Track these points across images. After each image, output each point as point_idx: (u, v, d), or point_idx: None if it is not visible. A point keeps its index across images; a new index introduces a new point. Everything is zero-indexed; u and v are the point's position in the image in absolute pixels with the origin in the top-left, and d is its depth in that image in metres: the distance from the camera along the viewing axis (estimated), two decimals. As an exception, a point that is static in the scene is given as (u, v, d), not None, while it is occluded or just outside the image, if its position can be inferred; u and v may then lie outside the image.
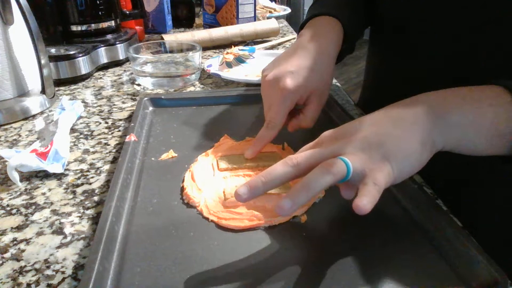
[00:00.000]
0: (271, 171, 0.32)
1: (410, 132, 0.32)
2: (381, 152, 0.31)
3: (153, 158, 0.47)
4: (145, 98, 0.61)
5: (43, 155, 0.45)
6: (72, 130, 0.57)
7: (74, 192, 0.43)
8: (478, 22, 0.43)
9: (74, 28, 0.81)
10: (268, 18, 1.33)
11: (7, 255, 0.34)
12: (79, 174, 0.46)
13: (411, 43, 0.53)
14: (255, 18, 1.17)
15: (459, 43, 0.46)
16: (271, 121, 0.46)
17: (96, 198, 0.42)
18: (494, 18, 0.42)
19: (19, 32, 0.61)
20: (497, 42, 0.43)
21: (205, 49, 0.97)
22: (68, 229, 0.37)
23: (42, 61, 0.61)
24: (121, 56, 0.85)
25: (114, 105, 0.66)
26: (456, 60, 0.47)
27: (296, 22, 3.93)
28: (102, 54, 0.82)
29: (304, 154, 0.33)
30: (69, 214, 0.39)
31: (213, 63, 0.81)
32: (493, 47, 0.43)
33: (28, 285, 0.31)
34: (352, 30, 0.54)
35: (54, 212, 0.40)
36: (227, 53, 0.81)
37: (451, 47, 0.47)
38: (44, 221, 0.38)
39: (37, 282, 0.31)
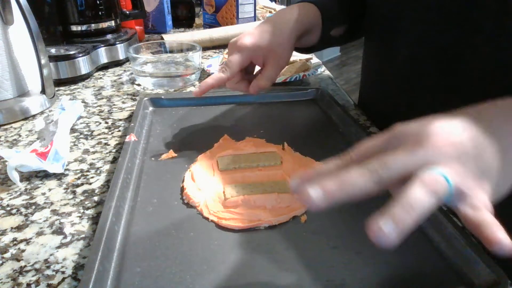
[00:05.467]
0: (347, 180, 0.25)
1: (504, 144, 0.27)
2: (478, 165, 0.26)
3: (153, 158, 0.47)
4: (145, 98, 0.61)
5: (43, 155, 0.45)
6: (72, 130, 0.57)
7: (74, 192, 0.43)
8: (473, 23, 0.43)
9: (74, 28, 0.81)
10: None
11: (7, 255, 0.34)
12: (79, 174, 0.46)
13: (402, 43, 0.53)
14: (255, 18, 1.17)
15: (451, 42, 0.46)
16: (226, 65, 0.51)
17: (96, 198, 0.42)
18: (488, 15, 0.42)
19: (19, 32, 0.61)
20: (492, 40, 0.42)
21: (205, 49, 0.97)
22: (68, 229, 0.37)
23: (42, 61, 0.61)
24: (121, 56, 0.85)
25: (114, 105, 0.66)
26: (448, 59, 0.46)
27: (296, 22, 3.92)
28: (102, 54, 0.81)
29: (385, 164, 0.25)
30: (69, 214, 0.39)
31: (213, 63, 0.81)
32: (488, 45, 0.43)
33: (28, 285, 0.31)
34: (329, 12, 0.58)
35: (54, 212, 0.40)
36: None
37: (441, 46, 0.47)
38: (44, 221, 0.38)
39: (37, 282, 0.31)
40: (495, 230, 0.23)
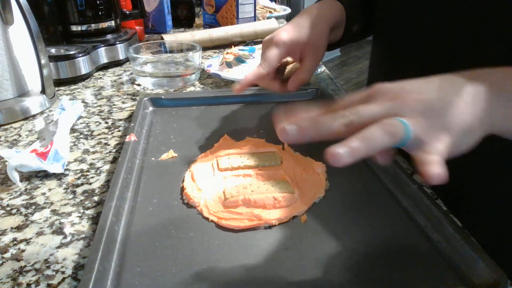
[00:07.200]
0: (320, 120, 0.29)
1: (473, 107, 0.30)
2: (441, 120, 0.29)
3: (153, 158, 0.47)
4: (145, 98, 0.61)
5: (43, 155, 0.45)
6: (72, 130, 0.57)
7: (74, 192, 0.43)
8: (478, 16, 0.43)
9: (74, 28, 0.81)
10: (268, 18, 1.33)
11: (7, 255, 0.34)
12: (79, 174, 0.46)
13: (413, 42, 0.53)
14: (255, 18, 1.17)
15: (461, 38, 0.46)
16: (265, 61, 0.51)
17: (96, 198, 0.42)
18: (494, 9, 0.42)
19: (19, 32, 0.61)
20: (499, 35, 0.42)
21: (205, 49, 0.97)
22: (68, 229, 0.37)
23: (42, 61, 0.61)
24: (121, 56, 0.85)
25: (114, 105, 0.66)
26: (460, 56, 0.46)
27: (296, 22, 3.92)
28: (102, 54, 0.82)
29: (356, 112, 0.29)
30: (69, 214, 0.39)
31: (213, 63, 0.81)
32: (497, 40, 0.43)
33: (28, 285, 0.31)
34: (352, 9, 0.58)
35: (54, 212, 0.40)
36: (227, 53, 0.80)
37: (453, 43, 0.47)
38: (44, 221, 0.38)
39: (37, 282, 0.31)
40: (435, 166, 0.26)
